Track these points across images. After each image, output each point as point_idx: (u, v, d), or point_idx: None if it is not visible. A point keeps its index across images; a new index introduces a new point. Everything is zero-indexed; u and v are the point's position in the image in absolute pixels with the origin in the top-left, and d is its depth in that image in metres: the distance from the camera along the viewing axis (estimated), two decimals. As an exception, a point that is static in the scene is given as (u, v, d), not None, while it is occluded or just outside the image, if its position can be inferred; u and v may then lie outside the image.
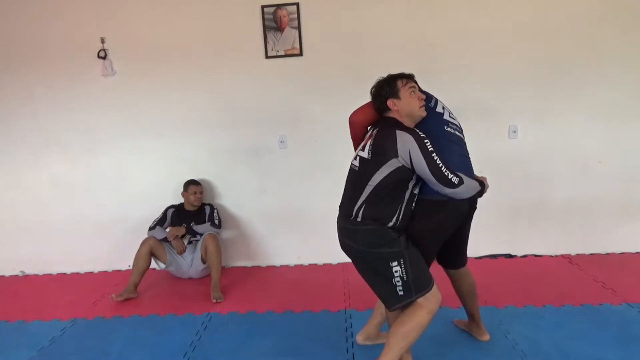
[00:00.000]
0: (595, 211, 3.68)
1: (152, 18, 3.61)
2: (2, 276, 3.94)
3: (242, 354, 2.53)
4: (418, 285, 1.99)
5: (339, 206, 2.17)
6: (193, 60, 3.63)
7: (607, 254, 3.70)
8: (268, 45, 3.58)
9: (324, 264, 3.80)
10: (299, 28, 3.54)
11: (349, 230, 2.07)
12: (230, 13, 3.56)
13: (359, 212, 2.02)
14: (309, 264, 3.83)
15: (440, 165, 1.93)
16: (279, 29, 3.56)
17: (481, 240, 3.56)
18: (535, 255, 3.74)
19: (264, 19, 3.55)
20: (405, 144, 1.94)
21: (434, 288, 2.03)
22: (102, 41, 3.63)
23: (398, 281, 1.98)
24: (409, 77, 2.14)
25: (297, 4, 3.51)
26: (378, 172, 1.97)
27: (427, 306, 1.99)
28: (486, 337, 2.50)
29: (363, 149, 2.07)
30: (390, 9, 3.50)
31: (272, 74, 3.62)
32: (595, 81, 3.52)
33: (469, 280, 2.44)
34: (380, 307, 2.41)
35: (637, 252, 3.69)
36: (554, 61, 3.51)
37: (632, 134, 3.58)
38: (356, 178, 2.07)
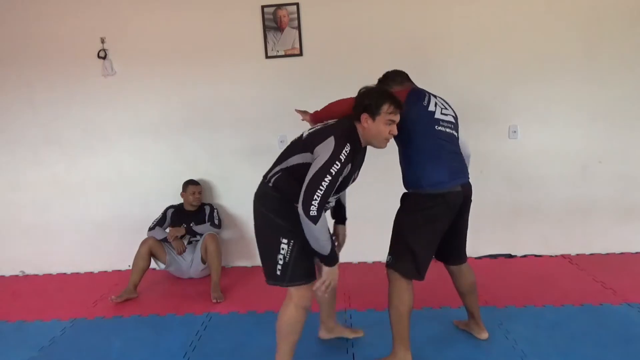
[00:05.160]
0: (595, 211, 3.68)
1: (152, 18, 3.61)
2: (2, 276, 3.94)
3: (242, 354, 2.53)
4: (294, 274, 2.00)
5: None
6: (193, 60, 3.63)
7: (607, 254, 3.69)
8: (268, 45, 3.58)
9: (324, 264, 3.80)
10: (299, 28, 3.54)
11: (260, 192, 2.10)
12: (230, 13, 3.56)
13: (272, 178, 2.05)
14: (309, 264, 3.83)
15: (320, 190, 1.85)
16: (279, 29, 3.56)
17: (481, 240, 3.57)
18: (535, 255, 3.74)
19: (264, 19, 3.55)
20: (324, 148, 1.91)
21: (309, 286, 2.04)
22: (102, 41, 3.63)
23: (280, 259, 1.99)
24: (399, 107, 2.03)
25: (297, 4, 3.51)
26: (295, 156, 2.01)
27: (295, 299, 2.03)
28: (484, 334, 2.50)
29: (310, 130, 2.11)
30: (390, 8, 3.50)
31: (272, 74, 3.62)
32: (596, 81, 3.52)
33: (470, 277, 2.44)
34: (320, 298, 2.38)
35: (637, 252, 3.69)
36: (554, 61, 3.51)
37: (632, 134, 3.58)
38: (285, 149, 2.10)
